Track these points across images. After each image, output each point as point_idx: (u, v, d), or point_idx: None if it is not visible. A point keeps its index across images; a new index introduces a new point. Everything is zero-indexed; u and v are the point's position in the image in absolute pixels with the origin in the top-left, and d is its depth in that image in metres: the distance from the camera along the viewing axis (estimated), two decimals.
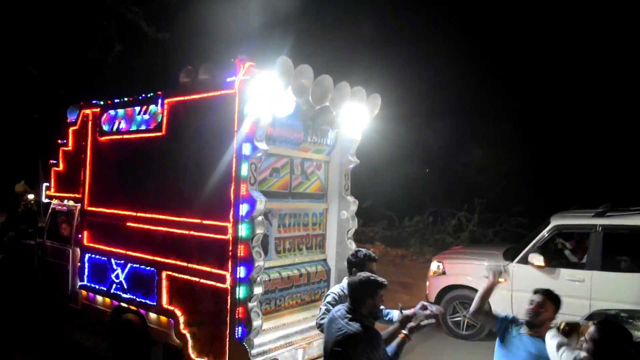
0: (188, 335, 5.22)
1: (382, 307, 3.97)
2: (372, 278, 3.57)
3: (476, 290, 7.94)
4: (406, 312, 3.85)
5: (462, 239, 16.36)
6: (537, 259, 7.47)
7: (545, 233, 7.72)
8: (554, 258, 7.92)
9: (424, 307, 3.95)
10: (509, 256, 8.06)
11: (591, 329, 2.90)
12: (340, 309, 3.61)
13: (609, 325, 2.91)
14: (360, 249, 4.41)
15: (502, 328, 3.97)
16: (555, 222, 7.76)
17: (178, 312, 5.34)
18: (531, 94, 17.74)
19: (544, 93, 17.66)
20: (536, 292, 3.84)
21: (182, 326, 5.28)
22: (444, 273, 8.49)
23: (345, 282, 4.22)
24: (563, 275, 7.36)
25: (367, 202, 16.23)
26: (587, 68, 16.76)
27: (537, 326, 3.74)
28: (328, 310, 3.94)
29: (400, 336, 3.62)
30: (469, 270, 8.30)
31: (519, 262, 7.73)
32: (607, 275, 7.16)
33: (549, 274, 7.42)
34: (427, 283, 8.82)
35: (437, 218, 17.42)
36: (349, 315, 3.47)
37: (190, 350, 5.18)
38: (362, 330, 3.36)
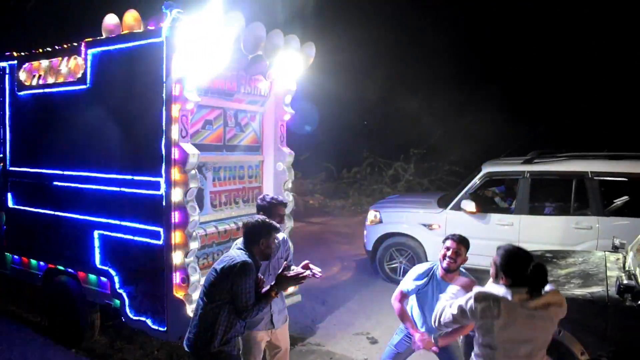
0: (125, 295, 5.10)
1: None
2: (267, 221, 3.74)
3: (412, 237, 8.27)
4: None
5: (399, 189, 16.75)
6: (469, 205, 7.74)
7: (477, 180, 7.98)
8: (485, 204, 8.25)
9: (306, 266, 4.08)
10: (443, 203, 8.32)
11: (494, 255, 3.09)
12: (237, 243, 3.76)
13: (508, 248, 3.07)
14: (267, 193, 4.53)
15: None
16: (486, 169, 8.04)
17: (113, 272, 5.20)
18: (468, 40, 17.95)
19: (481, 39, 17.90)
20: (449, 238, 4.03)
21: (117, 285, 5.16)
22: (380, 221, 8.68)
23: None
24: (493, 220, 7.68)
25: (304, 154, 16.23)
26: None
27: (453, 271, 3.96)
28: None
29: (269, 287, 3.66)
30: (404, 219, 8.52)
31: (452, 208, 8.01)
32: (534, 219, 7.54)
33: (480, 220, 7.72)
34: (365, 232, 9.01)
35: (375, 169, 17.70)
36: (241, 248, 3.65)
37: (127, 310, 5.08)
38: (241, 260, 3.47)
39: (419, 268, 4.23)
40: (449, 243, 3.99)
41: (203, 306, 3.53)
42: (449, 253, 3.96)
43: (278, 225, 3.83)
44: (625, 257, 5.04)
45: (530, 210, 7.63)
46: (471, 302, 2.99)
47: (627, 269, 4.70)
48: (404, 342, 4.23)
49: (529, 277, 2.93)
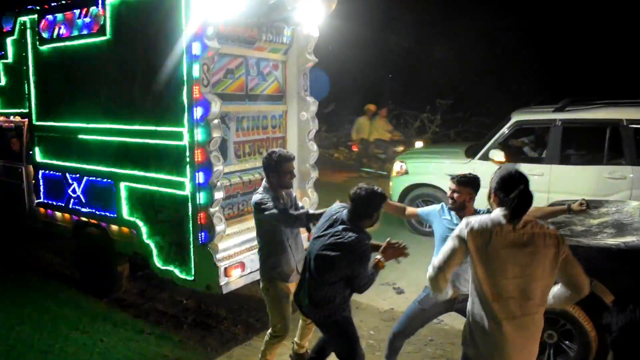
0: (152, 245, 5.17)
1: None
2: (379, 191, 3.44)
3: (438, 188, 8.15)
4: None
5: (425, 140, 16.48)
6: (498, 155, 7.56)
7: (506, 129, 7.76)
8: (514, 154, 8.04)
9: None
10: (470, 153, 8.15)
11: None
12: (340, 212, 3.52)
13: (506, 166, 2.91)
14: (274, 149, 4.15)
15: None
16: (515, 117, 7.80)
17: (140, 223, 5.25)
18: None
19: None
20: (451, 179, 3.96)
21: (145, 236, 5.21)
22: (406, 172, 8.57)
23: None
24: (523, 169, 7.44)
25: (329, 107, 16.03)
26: None
27: (460, 209, 3.87)
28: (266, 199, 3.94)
29: (375, 260, 3.54)
30: (431, 169, 8.39)
31: (480, 158, 7.83)
32: (565, 169, 7.33)
33: None
34: (391, 183, 8.92)
35: (400, 120, 17.40)
36: (348, 225, 3.40)
37: (155, 259, 5.15)
38: (357, 243, 3.31)
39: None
40: (450, 184, 3.95)
41: (316, 286, 3.53)
42: (448, 194, 3.93)
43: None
44: None
45: (561, 159, 7.41)
46: (462, 227, 2.79)
47: None
48: (430, 299, 4.15)
49: (511, 199, 2.69)
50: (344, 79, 16.70)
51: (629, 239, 4.26)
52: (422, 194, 8.43)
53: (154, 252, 5.15)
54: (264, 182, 4.06)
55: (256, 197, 3.97)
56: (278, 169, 3.95)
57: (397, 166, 8.80)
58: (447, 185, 7.91)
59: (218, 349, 4.91)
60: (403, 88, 18.10)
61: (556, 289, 2.90)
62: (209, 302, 5.84)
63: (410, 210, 4.31)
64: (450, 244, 2.83)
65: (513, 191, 2.70)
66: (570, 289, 2.84)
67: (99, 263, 5.91)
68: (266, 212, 3.85)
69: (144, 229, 5.23)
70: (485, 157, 7.72)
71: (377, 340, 5.02)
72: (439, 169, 8.27)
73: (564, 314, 4.18)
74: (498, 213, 2.77)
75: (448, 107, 16.75)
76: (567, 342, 4.29)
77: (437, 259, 2.87)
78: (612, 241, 4.29)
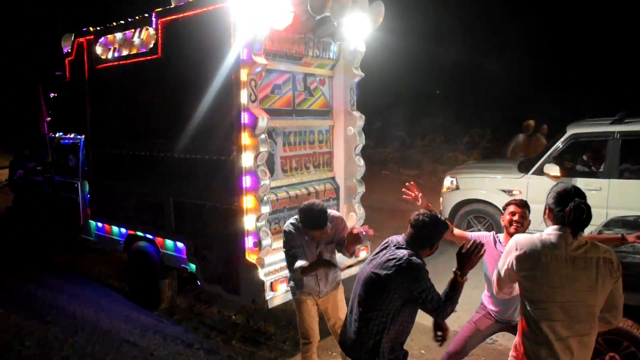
0: (200, 259, 5.22)
1: None
2: (442, 219, 3.15)
3: (490, 204, 7.93)
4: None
5: (475, 156, 16.15)
6: (553, 169, 7.31)
7: (561, 143, 7.50)
8: (571, 168, 7.75)
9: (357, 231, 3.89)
10: (524, 168, 7.89)
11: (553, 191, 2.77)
12: (396, 239, 3.19)
13: (562, 183, 2.82)
14: (315, 203, 3.84)
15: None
16: (571, 131, 7.52)
17: (188, 237, 5.32)
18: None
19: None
20: (511, 203, 3.78)
21: (193, 250, 5.28)
22: (457, 188, 8.38)
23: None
24: (579, 184, 7.18)
25: (377, 123, 15.95)
26: None
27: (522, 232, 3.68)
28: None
29: (452, 277, 3.08)
30: (482, 184, 8.17)
31: (534, 173, 7.57)
32: (624, 183, 7.00)
33: None
34: (441, 199, 8.74)
35: (449, 136, 17.14)
36: (402, 245, 3.11)
37: (202, 273, 5.20)
38: (407, 258, 2.98)
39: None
40: (512, 208, 3.74)
41: (364, 318, 3.10)
42: (515, 217, 3.70)
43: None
44: None
45: (620, 173, 7.08)
46: (511, 248, 2.72)
47: None
48: (486, 318, 4.01)
49: (567, 212, 2.58)
50: (391, 94, 16.62)
51: None
52: (473, 209, 8.22)
53: (201, 265, 5.20)
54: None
55: (286, 226, 4.02)
56: (305, 228, 3.88)
57: (447, 181, 8.62)
58: (498, 200, 7.69)
59: None
60: (452, 103, 17.83)
61: None
62: (258, 317, 5.83)
63: (458, 233, 4.01)
64: (501, 265, 2.80)
65: (568, 202, 2.60)
66: (606, 311, 2.70)
67: (149, 276, 5.99)
68: (283, 249, 3.98)
69: (191, 243, 5.28)
70: (540, 172, 7.47)
71: None
72: (491, 184, 8.05)
73: (626, 334, 3.95)
74: (550, 231, 2.68)
75: (498, 122, 16.37)
76: None
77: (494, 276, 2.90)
78: None
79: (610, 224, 5.26)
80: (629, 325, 3.93)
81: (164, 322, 5.82)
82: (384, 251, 3.14)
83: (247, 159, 4.63)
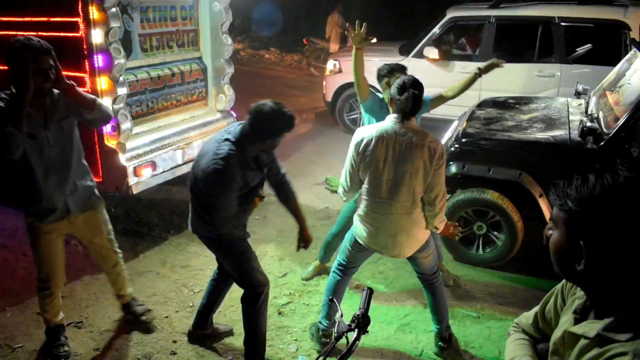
0: None
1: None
2: (288, 113, 2.76)
3: (372, 86, 7.81)
4: None
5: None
6: (432, 52, 7.33)
7: (440, 26, 7.48)
8: (449, 52, 7.82)
9: None
10: (405, 51, 7.85)
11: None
12: (234, 129, 2.85)
13: (403, 79, 2.99)
14: None
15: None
16: (450, 14, 7.51)
17: None
18: None
19: None
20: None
21: None
22: (340, 71, 8.22)
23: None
24: (456, 67, 7.31)
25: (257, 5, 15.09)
26: None
27: None
28: None
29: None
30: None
31: (414, 56, 7.55)
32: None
33: (443, 67, 7.36)
34: (324, 83, 8.60)
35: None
36: (234, 137, 2.77)
37: None
38: (235, 150, 2.72)
39: None
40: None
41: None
42: None
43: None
44: (587, 103, 4.86)
45: (494, 57, 7.24)
46: (352, 139, 3.04)
47: (589, 113, 4.55)
48: None
49: (402, 103, 2.94)
50: None
51: (557, 133, 4.30)
52: (355, 93, 8.12)
53: None
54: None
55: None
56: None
57: (330, 65, 8.44)
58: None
59: (151, 255, 4.64)
60: None
61: None
62: (139, 209, 5.46)
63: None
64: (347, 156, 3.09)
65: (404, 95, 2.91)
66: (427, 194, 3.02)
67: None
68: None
69: None
70: (420, 55, 7.47)
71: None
72: (373, 67, 7.93)
73: (494, 205, 4.24)
74: (389, 118, 3.00)
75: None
76: (495, 232, 4.41)
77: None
78: (541, 135, 4.32)
79: (482, 105, 5.44)
80: (495, 196, 4.19)
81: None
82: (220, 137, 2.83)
83: (97, 36, 4.04)
